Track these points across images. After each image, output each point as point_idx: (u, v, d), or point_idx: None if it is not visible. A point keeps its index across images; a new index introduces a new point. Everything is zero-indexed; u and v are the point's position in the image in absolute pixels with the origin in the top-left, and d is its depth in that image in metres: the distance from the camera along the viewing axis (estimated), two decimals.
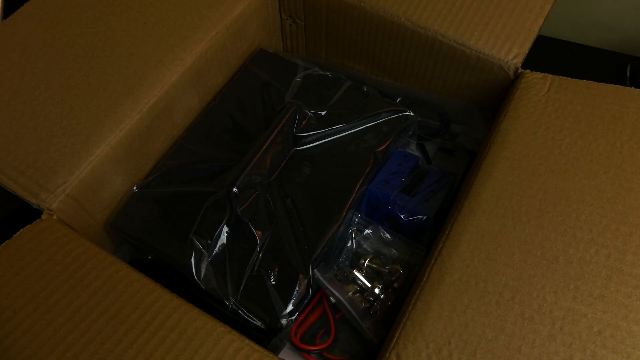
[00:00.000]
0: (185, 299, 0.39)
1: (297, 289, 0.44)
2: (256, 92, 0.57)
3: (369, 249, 0.50)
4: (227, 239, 0.47)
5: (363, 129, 0.54)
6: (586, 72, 0.86)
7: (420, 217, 0.49)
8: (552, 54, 0.89)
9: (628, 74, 0.84)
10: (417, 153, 0.60)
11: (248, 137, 0.53)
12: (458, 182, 0.55)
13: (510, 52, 0.51)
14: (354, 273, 0.47)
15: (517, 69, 0.50)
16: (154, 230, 0.48)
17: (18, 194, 0.43)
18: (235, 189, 0.48)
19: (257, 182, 0.50)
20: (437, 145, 0.61)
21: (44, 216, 0.43)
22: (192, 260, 0.45)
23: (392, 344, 0.37)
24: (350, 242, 0.51)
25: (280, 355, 0.43)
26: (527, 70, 0.50)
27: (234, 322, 0.44)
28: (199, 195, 0.49)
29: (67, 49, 0.50)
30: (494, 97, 0.55)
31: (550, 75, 0.49)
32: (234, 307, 0.44)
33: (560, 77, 0.49)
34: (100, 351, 0.36)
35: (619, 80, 0.84)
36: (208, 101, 0.58)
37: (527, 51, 0.51)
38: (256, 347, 0.37)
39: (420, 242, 0.49)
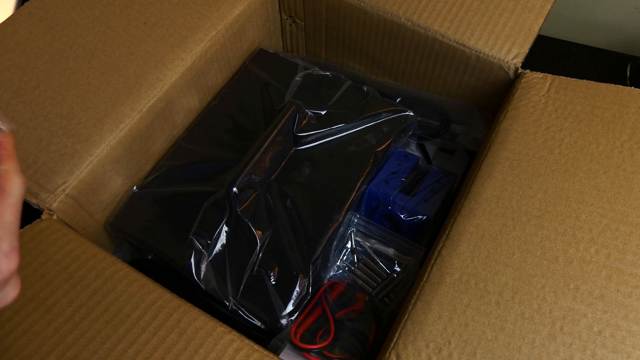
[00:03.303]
0: (185, 299, 0.39)
1: (297, 289, 0.44)
2: (256, 92, 0.57)
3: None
4: (226, 239, 0.47)
5: (363, 128, 0.54)
6: (586, 72, 0.87)
7: (420, 217, 0.49)
8: (552, 54, 0.89)
9: (628, 74, 0.84)
10: (417, 153, 0.60)
11: (248, 137, 0.53)
12: (458, 182, 0.55)
13: (510, 52, 0.51)
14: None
15: (517, 69, 0.50)
16: (154, 230, 0.48)
17: None
18: (235, 189, 0.48)
19: (257, 181, 0.50)
20: (437, 145, 0.61)
21: (44, 216, 0.43)
22: (192, 260, 0.45)
23: (392, 344, 0.37)
24: (350, 242, 0.51)
25: (280, 356, 0.43)
26: (527, 70, 0.50)
27: (234, 322, 0.44)
28: (199, 195, 0.49)
29: (67, 49, 0.50)
30: (494, 97, 0.55)
31: (550, 75, 0.49)
32: (234, 307, 0.44)
33: (560, 77, 0.49)
34: (100, 351, 0.36)
35: (619, 80, 0.84)
36: (208, 101, 0.58)
37: (527, 51, 0.51)
38: (256, 347, 0.37)
39: (420, 242, 0.49)
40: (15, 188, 0.27)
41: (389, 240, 0.50)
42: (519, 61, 0.51)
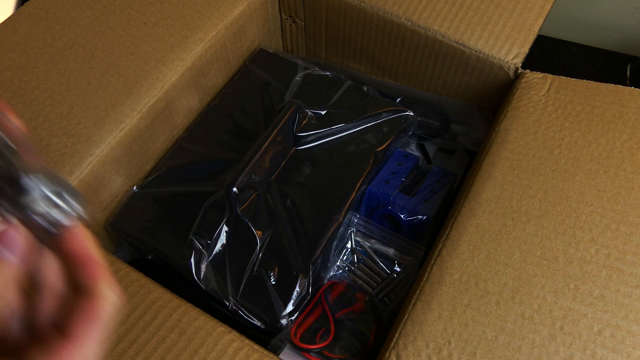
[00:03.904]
0: (185, 299, 0.39)
1: (297, 289, 0.44)
2: (256, 92, 0.57)
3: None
4: (226, 239, 0.47)
5: (363, 128, 0.54)
6: (586, 72, 0.87)
7: (420, 217, 0.49)
8: (552, 54, 0.89)
9: (628, 74, 0.84)
10: (417, 153, 0.60)
11: (248, 137, 0.53)
12: (458, 182, 0.55)
13: (510, 52, 0.51)
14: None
15: (517, 69, 0.50)
16: (154, 230, 0.48)
17: None
18: (235, 189, 0.48)
19: (257, 181, 0.50)
20: (437, 145, 0.61)
21: None
22: (192, 260, 0.45)
23: (392, 344, 0.37)
24: (350, 242, 0.51)
25: (280, 356, 0.43)
26: (527, 70, 0.50)
27: (234, 322, 0.44)
28: (199, 195, 0.49)
29: (67, 49, 0.50)
30: (494, 97, 0.55)
31: (550, 75, 0.49)
32: (234, 307, 0.44)
33: (560, 77, 0.49)
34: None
35: (619, 80, 0.84)
36: (208, 101, 0.58)
37: (527, 51, 0.51)
38: (256, 347, 0.37)
39: (420, 242, 0.49)
40: (107, 312, 0.22)
41: (389, 240, 0.50)
42: (519, 61, 0.51)
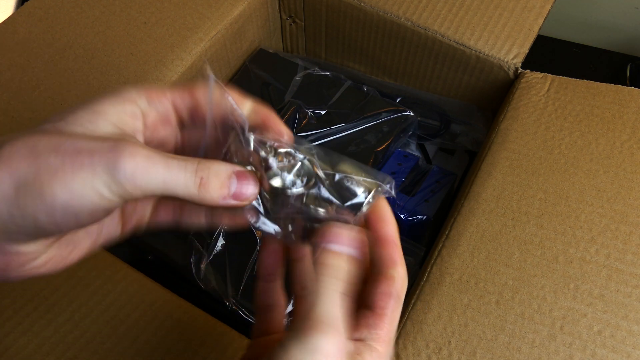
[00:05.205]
0: (185, 298, 0.39)
1: None
2: (256, 92, 0.57)
3: None
4: (226, 239, 0.47)
5: (363, 128, 0.54)
6: (586, 72, 0.87)
7: (420, 217, 0.49)
8: (552, 54, 0.89)
9: (628, 74, 0.84)
10: (417, 153, 0.60)
11: None
12: (458, 182, 0.55)
13: (510, 52, 0.51)
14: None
15: (517, 69, 0.50)
16: (154, 230, 0.48)
17: None
18: None
19: None
20: (437, 145, 0.61)
21: None
22: (192, 260, 0.45)
23: None
24: None
25: None
26: (527, 70, 0.50)
27: (234, 322, 0.44)
28: None
29: (67, 49, 0.50)
30: (494, 97, 0.55)
31: (550, 75, 0.49)
32: (234, 307, 0.44)
33: (560, 77, 0.49)
34: (100, 351, 0.36)
35: (619, 80, 0.84)
36: None
37: (527, 51, 0.51)
38: None
39: (420, 242, 0.49)
40: (404, 292, 0.25)
41: None
42: (519, 61, 0.51)
